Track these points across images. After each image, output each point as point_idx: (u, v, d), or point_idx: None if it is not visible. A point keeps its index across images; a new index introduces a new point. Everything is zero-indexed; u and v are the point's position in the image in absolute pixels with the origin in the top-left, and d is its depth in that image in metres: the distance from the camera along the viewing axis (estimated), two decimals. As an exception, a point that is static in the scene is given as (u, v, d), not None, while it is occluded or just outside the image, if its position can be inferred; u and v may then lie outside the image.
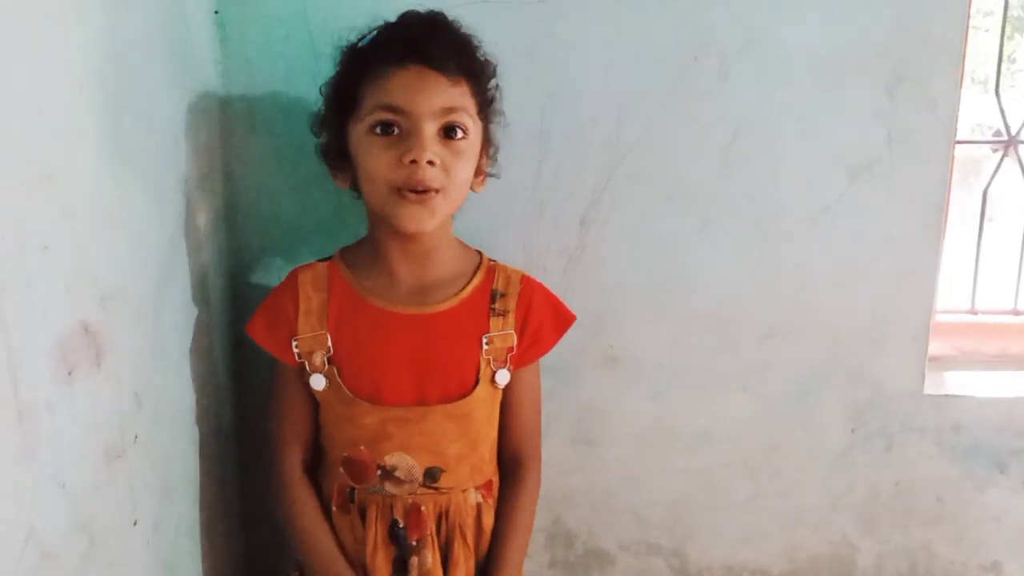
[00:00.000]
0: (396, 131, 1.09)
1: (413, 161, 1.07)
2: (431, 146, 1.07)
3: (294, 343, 1.17)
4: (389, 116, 1.08)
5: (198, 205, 1.23)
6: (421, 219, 1.10)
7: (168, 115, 1.14)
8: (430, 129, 1.08)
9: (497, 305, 1.20)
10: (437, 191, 1.09)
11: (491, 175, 1.22)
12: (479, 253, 1.25)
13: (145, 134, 1.06)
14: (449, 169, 1.09)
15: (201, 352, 1.24)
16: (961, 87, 1.34)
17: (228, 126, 1.32)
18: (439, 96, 1.08)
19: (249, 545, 1.45)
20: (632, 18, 1.31)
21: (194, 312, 1.22)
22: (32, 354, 0.81)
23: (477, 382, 1.18)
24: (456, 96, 1.10)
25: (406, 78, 1.08)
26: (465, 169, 1.12)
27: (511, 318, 1.20)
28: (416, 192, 1.08)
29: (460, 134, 1.10)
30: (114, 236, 0.97)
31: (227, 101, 1.31)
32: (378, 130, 1.09)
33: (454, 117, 1.09)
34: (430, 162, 1.07)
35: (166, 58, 1.12)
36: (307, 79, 1.30)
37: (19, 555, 0.79)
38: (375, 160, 1.09)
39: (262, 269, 1.38)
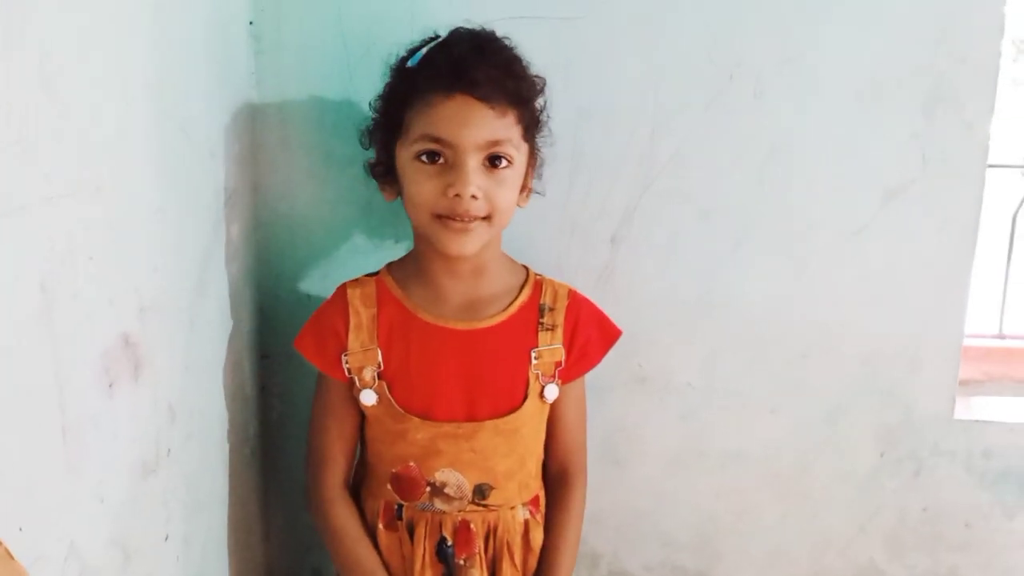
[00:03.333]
0: (441, 160, 1.08)
1: (457, 195, 1.06)
2: (475, 180, 1.06)
3: (344, 359, 1.15)
4: (434, 147, 1.07)
5: (231, 216, 1.22)
6: (463, 245, 1.10)
7: (206, 126, 1.13)
8: (474, 162, 1.07)
9: (545, 320, 1.19)
10: (481, 219, 1.09)
11: (535, 192, 1.22)
12: (526, 268, 1.24)
13: (185, 145, 1.05)
14: (492, 198, 1.09)
15: (231, 364, 1.23)
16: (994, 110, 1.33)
17: (261, 138, 1.31)
18: (484, 129, 1.06)
19: (270, 558, 1.44)
20: (667, 36, 1.30)
21: (226, 324, 1.21)
22: (77, 367, 0.80)
23: (526, 397, 1.17)
24: (502, 128, 1.08)
25: (452, 109, 1.06)
26: (509, 195, 1.11)
27: (559, 333, 1.19)
28: (459, 221, 1.08)
29: (505, 163, 1.09)
30: (153, 247, 0.96)
31: (261, 112, 1.30)
32: (424, 158, 1.08)
33: (499, 149, 1.08)
34: (473, 196, 1.06)
35: (205, 69, 1.12)
36: (340, 92, 1.30)
37: (61, 570, 0.78)
38: (419, 187, 1.09)
39: (289, 281, 1.36)
